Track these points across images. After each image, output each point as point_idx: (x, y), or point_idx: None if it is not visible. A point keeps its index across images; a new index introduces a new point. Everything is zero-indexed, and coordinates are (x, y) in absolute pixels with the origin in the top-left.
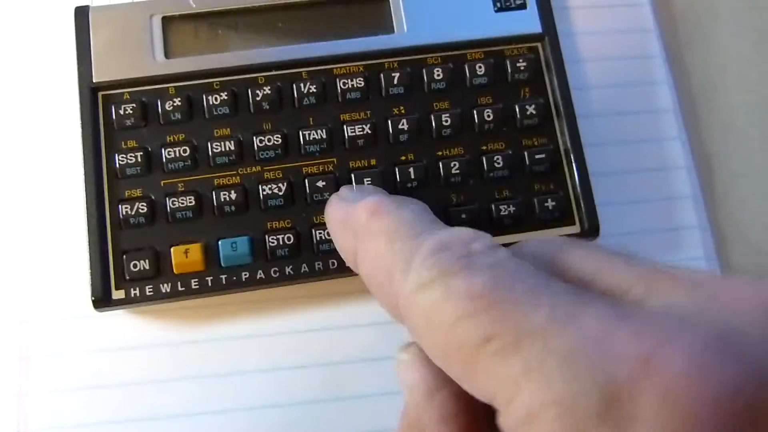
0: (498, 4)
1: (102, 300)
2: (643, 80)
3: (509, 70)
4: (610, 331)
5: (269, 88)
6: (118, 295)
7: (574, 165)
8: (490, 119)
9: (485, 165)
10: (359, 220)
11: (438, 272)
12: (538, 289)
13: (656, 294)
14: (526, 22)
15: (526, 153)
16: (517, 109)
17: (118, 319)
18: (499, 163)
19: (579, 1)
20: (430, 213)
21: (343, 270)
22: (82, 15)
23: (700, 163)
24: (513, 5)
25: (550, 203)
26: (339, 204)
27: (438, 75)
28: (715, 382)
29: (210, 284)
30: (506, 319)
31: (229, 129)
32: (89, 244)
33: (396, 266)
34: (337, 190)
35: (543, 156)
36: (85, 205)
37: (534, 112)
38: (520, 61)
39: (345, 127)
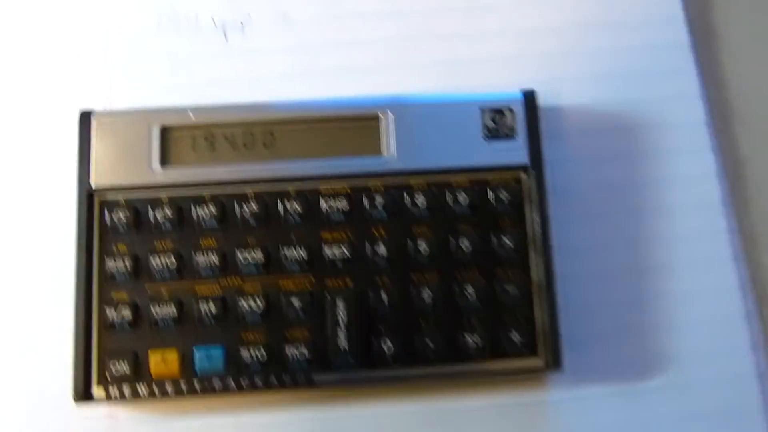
0: (487, 133)
1: (83, 396)
2: (628, 209)
3: (491, 200)
4: None
5: (256, 203)
6: (98, 392)
7: (544, 300)
8: (467, 249)
9: (457, 294)
10: None
11: None
12: None
13: None
14: (513, 152)
15: (498, 285)
16: (495, 240)
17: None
18: (471, 294)
19: (571, 127)
20: None
21: (310, 385)
22: (85, 120)
23: None
24: (502, 134)
25: (515, 336)
26: None
27: (421, 202)
28: None
29: (184, 389)
30: None
31: (214, 241)
32: (75, 343)
33: None
34: (312, 308)
35: (515, 289)
36: (74, 304)
37: (511, 244)
38: (503, 191)
39: (324, 246)
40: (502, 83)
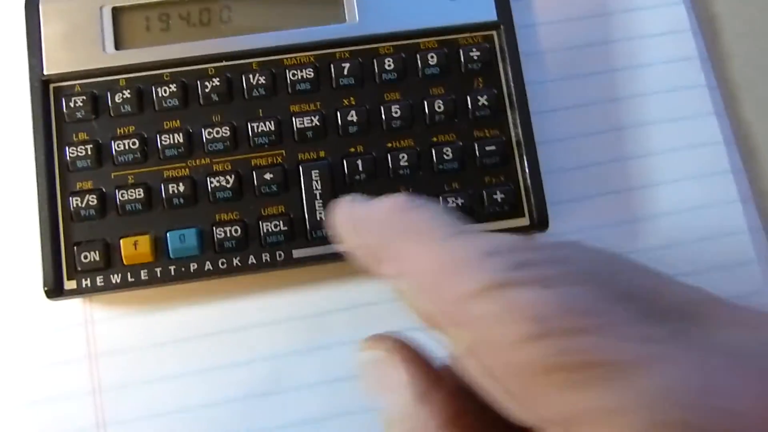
0: None
1: (54, 290)
2: (603, 69)
3: (462, 60)
4: (706, 376)
5: (219, 79)
6: (69, 285)
7: (525, 157)
8: (441, 110)
9: (435, 157)
10: (385, 219)
11: (495, 280)
12: (612, 316)
13: (719, 326)
14: (481, 9)
15: (476, 145)
16: (469, 100)
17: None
18: (448, 155)
19: None
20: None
21: (289, 262)
22: (32, 7)
23: None
24: None
25: (499, 195)
26: (352, 205)
27: (389, 65)
28: None
29: (159, 275)
30: (582, 348)
31: (178, 121)
32: (41, 236)
33: (442, 267)
34: (285, 182)
35: (494, 148)
36: (37, 197)
37: (486, 103)
38: (474, 50)
39: (294, 118)
40: None
